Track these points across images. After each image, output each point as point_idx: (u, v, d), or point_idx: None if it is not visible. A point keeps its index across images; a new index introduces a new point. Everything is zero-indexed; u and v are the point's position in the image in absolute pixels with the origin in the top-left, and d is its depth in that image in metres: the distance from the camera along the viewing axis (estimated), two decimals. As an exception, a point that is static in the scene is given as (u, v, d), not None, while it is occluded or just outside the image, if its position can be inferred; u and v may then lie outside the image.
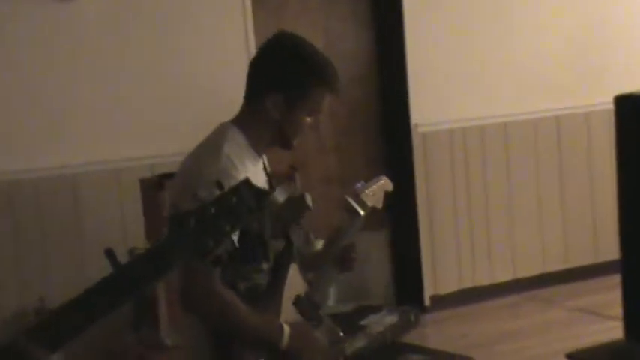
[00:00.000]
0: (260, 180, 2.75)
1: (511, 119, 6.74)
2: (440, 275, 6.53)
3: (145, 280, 1.65)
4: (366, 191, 3.09)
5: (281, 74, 2.73)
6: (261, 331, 2.62)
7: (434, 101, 6.45)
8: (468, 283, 6.63)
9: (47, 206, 5.33)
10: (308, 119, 2.78)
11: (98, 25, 5.49)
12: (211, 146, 2.72)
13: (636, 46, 7.14)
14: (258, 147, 2.78)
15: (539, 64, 6.83)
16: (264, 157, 2.89)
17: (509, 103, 6.73)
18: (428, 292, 6.46)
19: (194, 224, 1.66)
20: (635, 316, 3.55)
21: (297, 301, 2.77)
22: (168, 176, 4.21)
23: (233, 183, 2.41)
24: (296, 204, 1.96)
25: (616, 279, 3.91)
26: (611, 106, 4.19)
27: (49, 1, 5.36)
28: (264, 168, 2.87)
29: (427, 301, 6.44)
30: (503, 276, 6.73)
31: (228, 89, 5.82)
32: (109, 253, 1.65)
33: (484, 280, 6.69)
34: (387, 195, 3.20)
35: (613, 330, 3.94)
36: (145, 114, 5.60)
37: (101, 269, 1.77)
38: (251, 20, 5.92)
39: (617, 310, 4.00)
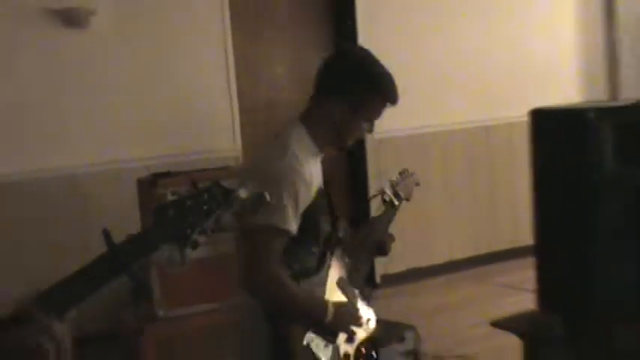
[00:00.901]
0: (319, 172, 2.69)
1: (452, 128, 6.83)
2: (389, 258, 6.57)
3: (133, 258, 1.67)
4: (400, 184, 3.08)
5: (349, 83, 2.61)
6: (310, 309, 2.55)
7: (387, 112, 6.49)
8: (412, 264, 6.70)
9: (54, 204, 5.33)
10: (365, 124, 2.69)
11: (102, 49, 5.50)
12: (281, 143, 2.59)
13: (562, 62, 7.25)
14: (319, 144, 2.66)
15: (481, 79, 6.92)
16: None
17: (449, 113, 6.81)
18: (379, 271, 6.54)
19: (173, 214, 1.68)
20: (545, 290, 3.63)
21: (340, 283, 2.71)
22: (162, 175, 4.21)
23: (297, 177, 2.47)
24: (257, 200, 1.98)
25: (531, 260, 3.98)
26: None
27: (61, 28, 5.38)
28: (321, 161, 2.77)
29: (378, 280, 6.51)
30: (441, 258, 6.82)
31: (209, 101, 5.88)
32: (106, 234, 1.67)
33: (426, 261, 6.76)
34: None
35: (529, 301, 4.00)
36: (140, 123, 5.62)
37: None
38: (231, 44, 5.95)
39: (533, 284, 4.07)
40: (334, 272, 2.71)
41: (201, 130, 5.80)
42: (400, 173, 3.17)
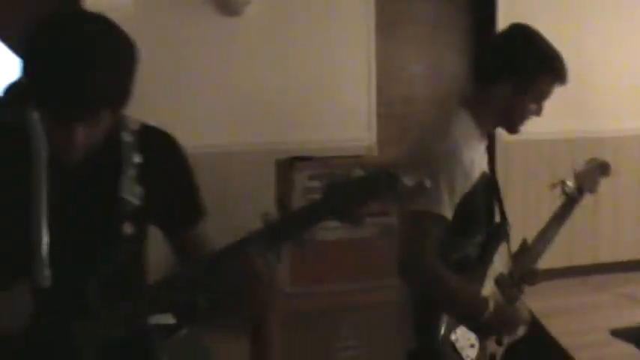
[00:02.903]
0: (483, 158, 2.49)
1: (595, 136, 6.56)
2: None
3: (298, 228, 1.69)
4: (585, 175, 2.80)
5: (515, 63, 2.38)
6: (466, 303, 2.35)
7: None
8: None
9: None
10: (533, 105, 2.44)
11: (253, 38, 5.57)
12: (440, 127, 2.41)
13: None
14: (483, 128, 2.45)
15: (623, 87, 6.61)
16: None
17: (590, 120, 6.53)
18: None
19: (341, 192, 1.67)
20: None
21: (500, 280, 2.50)
22: (300, 158, 4.19)
23: (454, 163, 2.28)
24: (419, 188, 1.80)
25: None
26: None
27: (216, 16, 5.47)
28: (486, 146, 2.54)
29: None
30: (560, 262, 6.55)
31: (349, 93, 5.85)
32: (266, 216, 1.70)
33: (543, 264, 6.51)
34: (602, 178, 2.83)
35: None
36: (281, 108, 5.66)
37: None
38: (374, 41, 5.95)
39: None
40: (497, 266, 2.50)
41: (339, 119, 5.80)
42: (587, 162, 2.86)
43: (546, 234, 2.75)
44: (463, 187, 2.34)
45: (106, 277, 1.73)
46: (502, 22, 6.21)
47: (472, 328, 2.36)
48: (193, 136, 5.40)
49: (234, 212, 5.20)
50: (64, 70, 1.53)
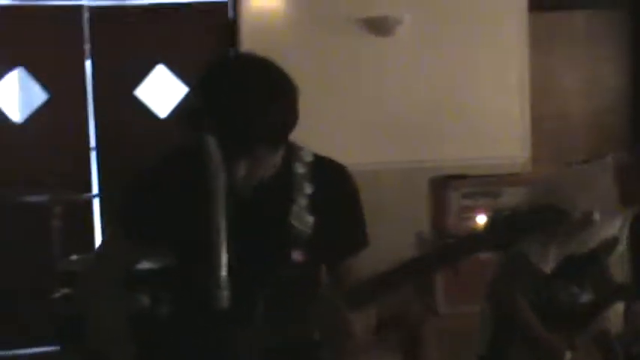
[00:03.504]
0: (614, 225, 2.34)
1: None
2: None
3: (456, 257, 1.73)
4: None
5: None
6: (541, 345, 2.33)
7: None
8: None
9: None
10: None
11: (404, 57, 5.53)
12: (580, 179, 2.32)
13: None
14: (627, 198, 2.30)
15: None
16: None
17: None
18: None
19: (505, 225, 1.66)
20: None
21: (600, 337, 2.46)
22: (454, 177, 4.12)
23: (566, 218, 2.08)
24: (585, 222, 1.69)
25: None
26: None
27: (368, 36, 5.47)
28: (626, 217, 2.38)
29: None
30: None
31: (502, 109, 5.69)
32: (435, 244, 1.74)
33: None
34: None
35: None
36: (432, 126, 5.56)
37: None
38: (527, 57, 5.77)
39: None
40: (604, 323, 2.43)
41: (491, 136, 5.68)
42: None
43: None
44: (576, 250, 2.29)
45: (273, 303, 1.76)
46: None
47: None
48: (345, 155, 5.37)
49: (386, 231, 5.18)
50: (229, 110, 1.64)
